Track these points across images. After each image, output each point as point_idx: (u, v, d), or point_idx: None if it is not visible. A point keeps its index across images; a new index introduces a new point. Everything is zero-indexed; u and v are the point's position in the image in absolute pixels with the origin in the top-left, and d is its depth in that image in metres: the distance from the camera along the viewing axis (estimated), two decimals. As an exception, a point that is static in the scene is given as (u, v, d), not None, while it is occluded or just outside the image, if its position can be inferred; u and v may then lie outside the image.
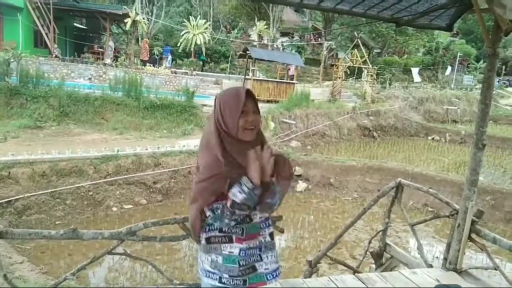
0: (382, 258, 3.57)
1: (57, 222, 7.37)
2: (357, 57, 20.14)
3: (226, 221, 1.57)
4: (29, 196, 7.26)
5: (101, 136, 10.66)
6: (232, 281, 1.63)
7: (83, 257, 5.84)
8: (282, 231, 2.56)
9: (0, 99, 10.95)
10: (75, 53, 18.55)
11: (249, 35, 30.62)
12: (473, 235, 2.88)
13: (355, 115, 16.39)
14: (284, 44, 29.25)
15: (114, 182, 8.41)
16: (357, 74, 23.01)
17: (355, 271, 3.50)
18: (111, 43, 17.83)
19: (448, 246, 3.02)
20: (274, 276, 1.71)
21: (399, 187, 3.48)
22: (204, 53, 21.24)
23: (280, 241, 7.59)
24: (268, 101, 15.98)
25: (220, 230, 1.64)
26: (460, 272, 2.95)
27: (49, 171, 7.82)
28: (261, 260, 1.68)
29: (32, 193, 7.32)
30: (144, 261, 2.64)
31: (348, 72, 22.63)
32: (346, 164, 10.76)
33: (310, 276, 3.23)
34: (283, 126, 13.53)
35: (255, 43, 26.09)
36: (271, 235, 1.73)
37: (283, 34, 32.42)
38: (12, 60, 11.29)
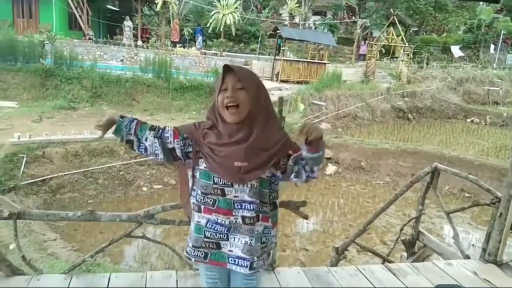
0: (415, 247, 3.38)
1: (89, 201, 7.56)
2: (393, 35, 19.26)
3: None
4: (62, 175, 7.48)
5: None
6: (194, 252, 1.61)
7: (113, 235, 5.96)
8: (306, 217, 2.43)
9: (36, 81, 11.29)
10: (108, 35, 18.80)
11: (280, 14, 29.95)
12: (517, 226, 2.64)
13: (389, 97, 15.77)
14: (316, 23, 28.42)
15: (144, 162, 8.52)
16: (392, 54, 22.07)
17: (384, 260, 3.33)
18: (129, 23, 17.82)
19: (488, 236, 2.79)
20: (239, 264, 1.56)
21: (435, 172, 3.24)
22: (234, 33, 20.95)
23: (308, 224, 7.48)
24: (298, 82, 15.66)
25: (195, 198, 1.62)
26: (500, 264, 2.73)
27: (82, 151, 8.01)
28: (227, 240, 1.58)
29: (65, 172, 7.54)
30: (163, 244, 2.59)
31: (383, 51, 21.74)
32: (378, 147, 10.41)
33: (336, 264, 3.10)
34: (313, 108, 13.23)
35: (286, 23, 25.52)
36: (245, 219, 1.55)
37: (316, 13, 31.46)
38: (47, 42, 11.56)
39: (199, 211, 1.59)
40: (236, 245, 1.57)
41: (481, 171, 8.94)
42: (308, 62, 17.00)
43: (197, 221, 1.60)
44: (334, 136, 11.27)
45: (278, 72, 15.90)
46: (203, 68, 15.22)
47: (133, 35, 19.39)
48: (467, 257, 2.89)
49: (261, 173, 1.53)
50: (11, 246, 5.12)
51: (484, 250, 2.83)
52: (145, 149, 1.65)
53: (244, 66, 17.10)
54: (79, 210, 7.26)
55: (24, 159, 7.07)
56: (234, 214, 1.55)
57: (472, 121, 16.57)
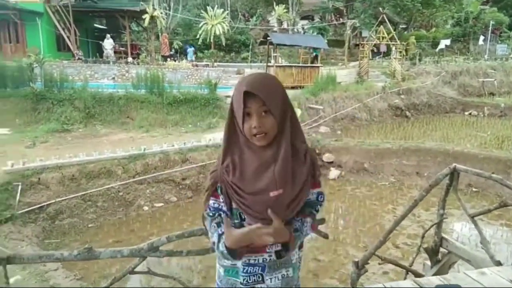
0: (438, 254, 3.17)
1: (89, 225, 7.31)
2: (383, 34, 19.24)
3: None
4: (60, 200, 7.23)
5: (127, 135, 10.59)
6: None
7: (117, 261, 5.72)
8: (326, 237, 2.24)
9: (27, 105, 11.06)
10: (97, 54, 18.65)
11: (268, 21, 29.97)
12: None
13: (385, 95, 15.66)
14: (305, 27, 28.43)
15: (143, 181, 8.29)
16: (384, 52, 22.04)
17: (408, 271, 3.13)
18: (109, 40, 17.74)
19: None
20: None
21: (454, 173, 3.05)
22: (224, 43, 20.88)
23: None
24: (292, 87, 15.51)
25: None
26: (537, 269, 2.53)
27: (78, 174, 7.77)
28: (263, 281, 1.38)
29: (63, 198, 7.29)
30: (172, 278, 2.37)
31: (375, 51, 21.72)
32: (380, 147, 10.23)
33: (357, 279, 2.89)
34: (310, 112, 13.08)
35: (275, 29, 25.49)
36: (278, 253, 1.37)
37: (303, 17, 31.53)
38: (35, 65, 11.35)
39: None
40: (274, 285, 1.39)
41: (486, 163, 8.77)
42: (301, 66, 16.91)
43: (232, 264, 1.41)
44: (334, 139, 11.10)
45: (272, 79, 15.74)
46: (195, 80, 15.07)
47: (123, 52, 19.29)
48: (499, 263, 2.70)
49: (304, 198, 1.36)
50: (12, 280, 4.86)
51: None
52: None
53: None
54: (80, 235, 6.98)
55: (19, 187, 6.83)
56: (267, 250, 1.37)
57: (470, 113, 16.48)
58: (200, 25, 20.44)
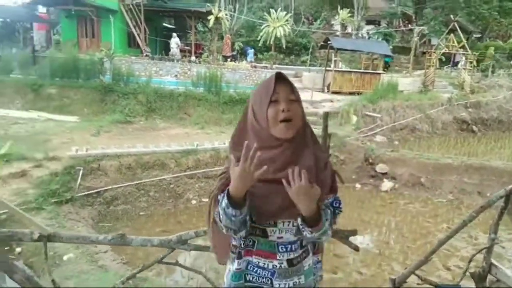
0: (486, 281, 2.92)
1: (141, 213, 7.69)
2: (453, 42, 18.13)
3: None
4: (116, 187, 7.67)
5: (183, 130, 10.98)
6: None
7: (163, 251, 5.95)
8: (356, 249, 2.15)
9: (96, 96, 11.89)
10: (163, 51, 19.56)
11: (332, 25, 29.52)
12: None
13: (451, 107, 14.74)
14: (370, 32, 27.62)
15: (194, 175, 8.55)
16: (453, 62, 20.76)
17: (451, 295, 2.92)
18: (176, 39, 18.56)
19: None
20: None
21: (510, 196, 2.79)
22: (284, 46, 20.90)
23: (362, 245, 7.02)
24: (350, 93, 15.17)
25: (236, 242, 1.37)
26: None
27: (135, 164, 8.20)
28: (272, 286, 1.33)
29: (119, 185, 7.72)
30: (197, 272, 2.42)
31: (443, 60, 20.52)
32: (440, 161, 9.65)
33: (394, 297, 2.74)
34: (367, 120, 12.67)
35: (337, 33, 25.06)
36: (292, 262, 1.32)
37: (369, 22, 30.65)
38: (106, 59, 12.16)
39: (239, 257, 1.36)
40: None
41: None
42: (361, 72, 16.45)
43: (236, 269, 1.36)
44: (390, 150, 10.65)
45: (329, 84, 15.52)
46: (253, 81, 15.26)
47: (187, 51, 20.06)
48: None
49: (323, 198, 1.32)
50: (65, 257, 5.27)
51: None
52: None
53: (295, 78, 16.93)
54: (131, 222, 7.34)
55: (81, 171, 7.35)
56: (278, 258, 1.32)
57: (546, 133, 15.01)
58: (262, 27, 20.66)
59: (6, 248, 5.32)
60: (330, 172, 1.34)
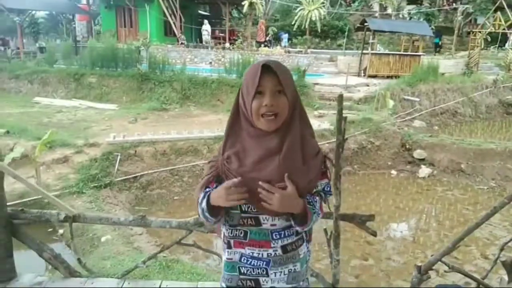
0: (520, 271, 2.77)
1: (175, 198, 7.92)
2: (500, 21, 16.98)
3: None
4: (152, 172, 7.93)
5: (216, 117, 11.12)
6: None
7: (196, 234, 6.11)
8: (374, 234, 2.11)
9: (133, 84, 12.26)
10: (198, 39, 19.76)
11: (370, 6, 28.47)
12: None
13: (496, 90, 13.93)
14: (412, 12, 26.39)
15: (226, 162, 8.66)
16: (500, 42, 19.49)
17: (479, 284, 2.81)
18: (207, 27, 18.57)
19: None
20: None
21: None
22: (319, 29, 20.45)
23: (396, 232, 6.87)
24: (388, 77, 14.67)
25: (223, 230, 1.39)
26: None
27: (169, 150, 8.42)
28: (268, 275, 1.30)
29: (154, 170, 7.98)
30: (215, 254, 2.48)
31: (489, 40, 19.31)
32: (482, 147, 9.19)
33: (418, 285, 2.68)
34: (404, 104, 12.22)
35: (376, 14, 24.16)
36: (286, 248, 1.30)
37: (410, 1, 29.26)
38: (142, 48, 12.46)
39: (229, 246, 1.36)
40: (279, 279, 1.33)
41: None
42: (399, 55, 15.83)
43: (227, 258, 1.37)
44: (429, 135, 10.26)
45: (366, 67, 15.07)
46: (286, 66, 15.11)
47: (222, 38, 20.13)
48: None
49: (307, 193, 1.29)
50: (103, 239, 5.55)
51: None
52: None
53: (330, 62, 16.44)
54: (165, 206, 7.56)
55: (118, 157, 7.66)
56: (272, 246, 1.30)
57: None
58: (297, 10, 20.29)
59: (49, 230, 5.69)
60: (322, 158, 1.31)
